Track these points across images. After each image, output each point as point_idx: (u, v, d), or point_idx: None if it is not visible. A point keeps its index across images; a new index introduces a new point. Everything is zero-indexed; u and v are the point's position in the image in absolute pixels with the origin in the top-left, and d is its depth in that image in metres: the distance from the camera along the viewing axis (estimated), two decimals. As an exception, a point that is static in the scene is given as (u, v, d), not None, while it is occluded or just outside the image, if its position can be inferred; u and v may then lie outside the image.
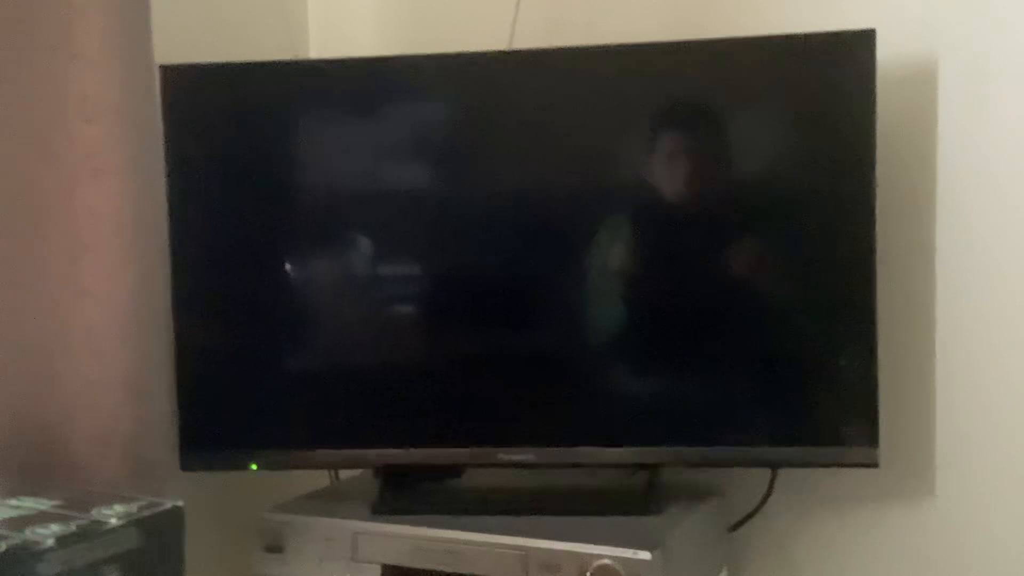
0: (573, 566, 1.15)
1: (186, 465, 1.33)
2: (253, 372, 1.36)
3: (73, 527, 0.86)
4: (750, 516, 1.41)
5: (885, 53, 1.22)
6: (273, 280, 1.35)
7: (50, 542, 0.83)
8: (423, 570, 1.23)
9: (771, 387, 1.30)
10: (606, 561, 1.13)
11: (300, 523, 1.29)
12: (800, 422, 1.29)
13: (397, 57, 1.39)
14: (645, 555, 1.12)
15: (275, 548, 1.30)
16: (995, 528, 1.34)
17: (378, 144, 1.35)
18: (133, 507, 0.91)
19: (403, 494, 1.33)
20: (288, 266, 1.35)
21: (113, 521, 0.88)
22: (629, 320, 1.31)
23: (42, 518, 0.88)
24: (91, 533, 0.86)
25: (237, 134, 1.36)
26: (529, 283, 1.31)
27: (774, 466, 1.36)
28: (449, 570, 1.21)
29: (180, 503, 0.93)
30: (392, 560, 1.25)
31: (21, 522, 0.87)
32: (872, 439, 1.25)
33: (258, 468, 1.35)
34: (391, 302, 1.34)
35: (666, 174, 1.31)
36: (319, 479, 1.47)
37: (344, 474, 1.49)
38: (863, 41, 1.22)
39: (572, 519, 1.24)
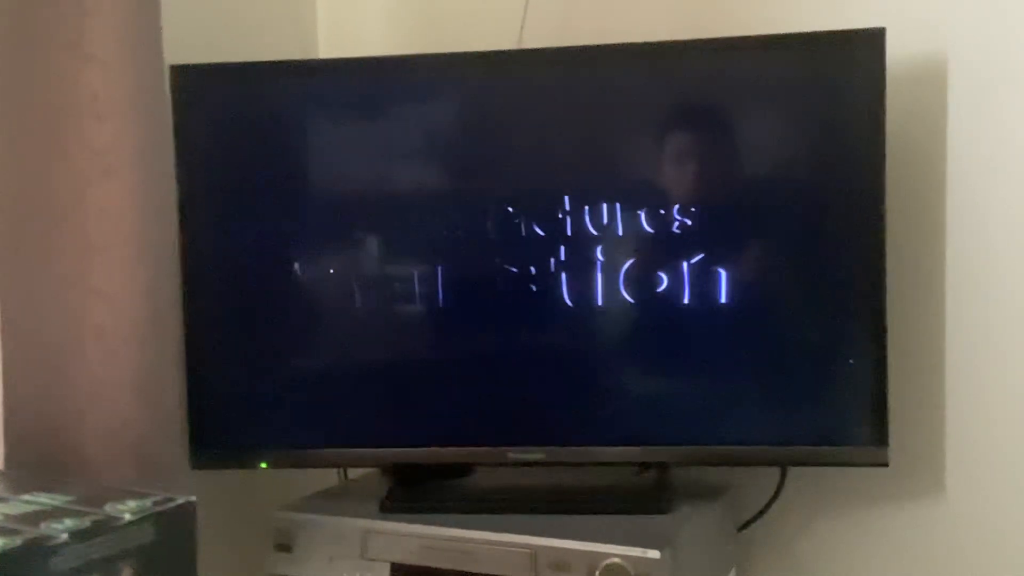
0: (582, 565, 1.15)
1: (196, 463, 1.33)
2: (263, 371, 1.36)
3: (87, 522, 0.85)
4: (759, 515, 1.41)
5: (894, 52, 1.22)
6: (283, 279, 1.35)
7: (64, 537, 0.83)
8: (432, 568, 1.23)
9: (781, 386, 1.29)
10: (615, 560, 1.13)
11: (309, 521, 1.29)
12: (810, 421, 1.28)
13: (406, 57, 1.39)
14: (654, 554, 1.12)
15: (284, 546, 1.30)
16: (1005, 527, 1.34)
17: (387, 143, 1.36)
18: (147, 502, 0.91)
19: (412, 493, 1.34)
20: (298, 265, 1.35)
21: (127, 516, 0.88)
22: (639, 318, 1.31)
23: (56, 513, 0.88)
24: (105, 528, 0.86)
25: (247, 133, 1.37)
26: (538, 282, 1.31)
27: (783, 465, 1.36)
28: (458, 569, 1.21)
29: (193, 498, 0.93)
30: (401, 559, 1.25)
31: (36, 517, 0.87)
32: (882, 438, 1.25)
33: (268, 466, 1.35)
34: (401, 301, 1.34)
35: (674, 173, 1.31)
36: (328, 478, 1.47)
37: (353, 473, 1.50)
38: (872, 40, 1.22)
39: (581, 518, 1.25)
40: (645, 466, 1.36)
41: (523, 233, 1.31)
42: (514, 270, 1.32)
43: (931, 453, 1.37)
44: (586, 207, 1.30)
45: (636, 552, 1.13)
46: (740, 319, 1.29)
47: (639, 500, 1.30)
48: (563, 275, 1.31)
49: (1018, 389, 1.33)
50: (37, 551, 0.81)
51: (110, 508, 0.90)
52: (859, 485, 1.41)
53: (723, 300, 1.28)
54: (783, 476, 1.38)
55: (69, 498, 0.93)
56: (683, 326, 1.30)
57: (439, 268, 1.33)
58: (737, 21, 1.38)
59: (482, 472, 1.41)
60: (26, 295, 1.21)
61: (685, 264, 1.28)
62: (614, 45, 1.29)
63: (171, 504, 0.92)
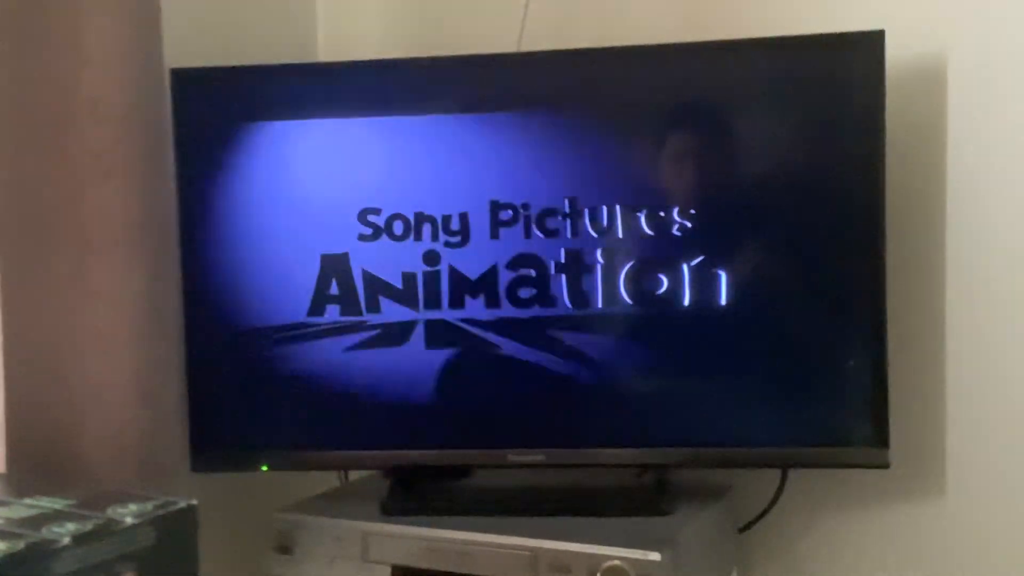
0: (583, 567, 1.15)
1: (196, 466, 1.33)
2: (263, 372, 1.36)
3: (89, 526, 0.86)
4: (760, 517, 1.41)
5: (894, 53, 1.23)
6: (284, 280, 1.35)
7: (66, 540, 0.83)
8: (433, 571, 1.23)
9: (781, 388, 1.30)
10: (616, 562, 1.13)
11: (310, 524, 1.29)
12: (810, 423, 1.29)
13: (406, 60, 1.39)
14: (655, 556, 1.12)
15: (285, 549, 1.30)
16: (1006, 528, 1.34)
17: (386, 145, 1.35)
18: (148, 506, 0.91)
19: (413, 495, 1.34)
20: (298, 266, 1.35)
21: (128, 520, 0.88)
22: (639, 321, 1.31)
23: (58, 517, 0.88)
24: (107, 532, 0.86)
25: (246, 136, 1.37)
26: (537, 284, 1.31)
27: (784, 467, 1.36)
28: (459, 571, 1.21)
29: (194, 502, 0.93)
30: (402, 561, 1.25)
31: (38, 521, 0.87)
32: (882, 440, 1.25)
33: (268, 469, 1.35)
34: (401, 302, 1.34)
35: (674, 175, 1.31)
36: (329, 480, 1.47)
37: (353, 475, 1.50)
38: (872, 41, 1.22)
39: (582, 520, 1.25)
40: (645, 468, 1.36)
41: (522, 234, 1.31)
42: (513, 271, 1.32)
43: (932, 454, 1.37)
44: (586, 209, 1.30)
45: (637, 554, 1.13)
46: (740, 320, 1.29)
47: (639, 502, 1.30)
48: (563, 277, 1.31)
49: (1018, 389, 1.33)
50: (39, 555, 0.81)
51: (112, 512, 0.90)
52: (860, 486, 1.41)
53: (723, 302, 1.28)
54: (784, 477, 1.38)
55: (71, 502, 0.93)
56: (683, 328, 1.30)
57: (439, 270, 1.33)
58: (737, 23, 1.38)
59: (482, 474, 1.41)
60: (27, 298, 1.22)
61: (685, 266, 1.28)
62: (613, 47, 1.29)
63: (173, 507, 0.92)
